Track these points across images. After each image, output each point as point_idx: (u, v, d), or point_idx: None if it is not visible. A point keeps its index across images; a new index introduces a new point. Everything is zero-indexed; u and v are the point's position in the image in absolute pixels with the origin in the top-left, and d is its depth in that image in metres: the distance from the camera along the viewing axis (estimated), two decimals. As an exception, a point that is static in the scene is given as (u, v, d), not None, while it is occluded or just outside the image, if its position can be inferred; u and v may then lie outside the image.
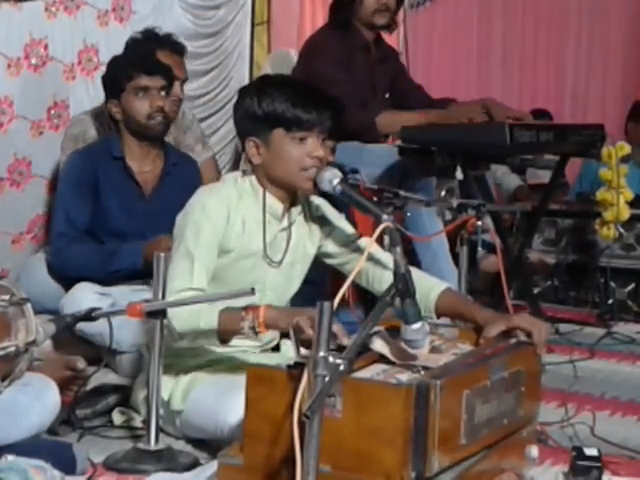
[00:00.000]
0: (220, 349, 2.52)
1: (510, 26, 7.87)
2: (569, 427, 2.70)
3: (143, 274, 3.15)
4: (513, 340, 2.34)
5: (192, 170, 3.58)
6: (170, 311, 2.37)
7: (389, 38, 4.56)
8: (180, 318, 2.38)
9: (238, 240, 2.53)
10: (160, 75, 3.40)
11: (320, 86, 3.77)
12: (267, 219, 2.55)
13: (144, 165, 3.44)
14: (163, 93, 3.40)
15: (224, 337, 2.38)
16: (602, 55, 7.68)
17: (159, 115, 3.37)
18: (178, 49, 3.92)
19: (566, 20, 7.81)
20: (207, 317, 2.36)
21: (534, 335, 2.33)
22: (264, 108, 2.47)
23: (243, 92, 2.59)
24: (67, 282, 3.29)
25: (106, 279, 3.25)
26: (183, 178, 3.40)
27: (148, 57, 3.57)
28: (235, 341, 2.43)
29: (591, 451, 2.31)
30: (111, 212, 3.38)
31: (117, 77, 3.41)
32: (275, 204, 2.56)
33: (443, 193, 3.63)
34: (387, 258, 2.48)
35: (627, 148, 4.24)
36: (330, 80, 3.93)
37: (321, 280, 3.36)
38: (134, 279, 3.25)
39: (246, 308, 2.32)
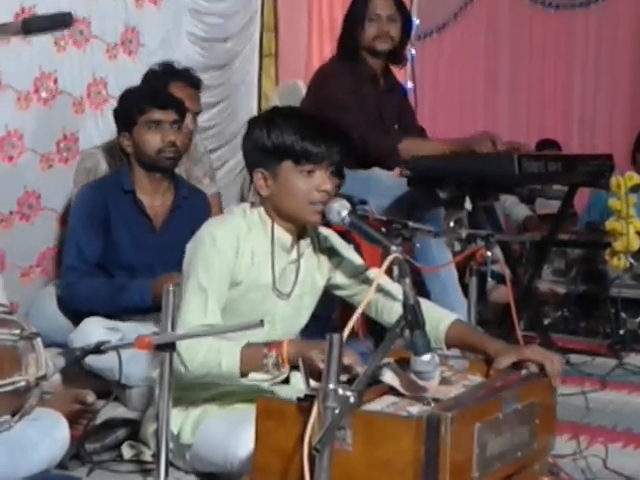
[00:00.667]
0: (231, 382, 2.51)
1: (517, 55, 7.90)
2: (581, 459, 2.67)
3: (152, 310, 3.15)
4: (524, 372, 2.33)
5: (202, 203, 3.59)
6: (185, 350, 2.36)
7: (397, 70, 4.58)
8: (197, 357, 2.37)
9: (247, 272, 2.52)
10: (172, 109, 3.42)
11: (332, 113, 3.85)
12: (276, 251, 2.55)
13: (154, 198, 3.45)
14: (175, 127, 3.41)
15: (245, 373, 2.38)
16: (609, 84, 7.68)
17: (170, 149, 3.39)
18: (193, 81, 3.94)
19: (573, 50, 7.83)
20: (228, 357, 2.35)
21: (547, 367, 2.32)
22: (273, 140, 2.47)
23: (252, 124, 2.60)
24: (76, 316, 3.29)
25: (115, 314, 3.24)
26: (193, 212, 3.41)
27: (161, 91, 3.59)
28: (245, 374, 2.43)
29: (604, 484, 2.29)
30: (121, 245, 3.38)
31: (129, 110, 3.43)
32: (284, 236, 2.56)
33: (452, 224, 3.64)
34: (396, 289, 2.47)
35: (636, 178, 4.24)
36: (342, 106, 3.96)
37: (328, 313, 3.36)
38: (143, 315, 3.25)
39: (268, 344, 2.32)
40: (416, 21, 6.16)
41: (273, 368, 2.31)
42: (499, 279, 3.66)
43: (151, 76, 3.87)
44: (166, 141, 3.37)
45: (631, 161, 5.92)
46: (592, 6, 7.76)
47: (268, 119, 2.56)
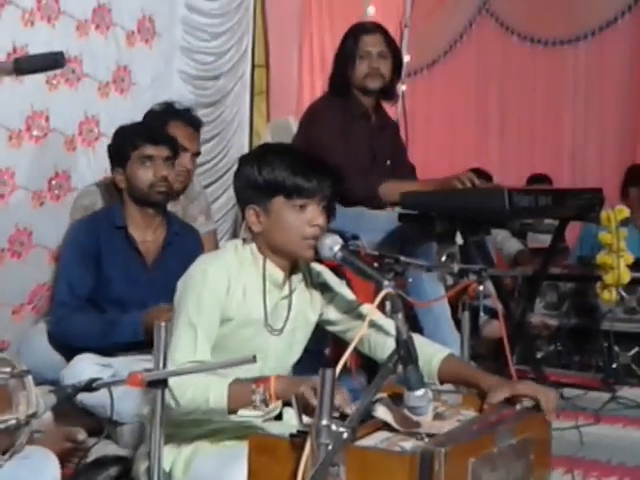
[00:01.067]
0: (222, 418, 2.50)
1: (507, 92, 7.96)
2: (576, 494, 2.67)
3: (144, 344, 3.14)
4: (518, 407, 2.32)
5: (194, 240, 3.59)
6: (175, 387, 2.35)
7: (387, 106, 4.60)
8: (186, 394, 2.36)
9: (239, 308, 2.52)
10: (165, 145, 3.44)
11: (318, 154, 3.85)
12: (268, 287, 2.54)
13: (146, 234, 3.45)
14: (168, 163, 3.43)
15: (233, 409, 2.36)
16: (599, 119, 7.73)
17: (162, 184, 3.40)
18: (193, 122, 3.95)
19: (562, 85, 7.89)
20: (216, 393, 2.34)
21: (542, 402, 2.31)
22: (264, 176, 2.48)
23: (243, 160, 2.60)
24: (68, 352, 3.28)
25: (107, 349, 3.24)
26: (185, 248, 3.41)
27: (154, 127, 3.62)
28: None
29: (599, 518, 2.28)
30: (113, 281, 3.38)
31: (123, 146, 3.46)
32: (276, 272, 2.56)
33: (444, 258, 3.63)
34: (389, 325, 2.47)
35: (626, 212, 4.26)
36: (327, 148, 3.96)
37: (321, 348, 3.35)
38: (135, 349, 3.24)
39: (256, 380, 2.31)
40: (406, 58, 6.21)
41: (261, 404, 2.29)
42: (491, 313, 3.66)
43: (151, 115, 3.89)
44: (158, 176, 3.39)
45: (621, 195, 5.95)
46: (580, 42, 7.83)
47: (259, 156, 2.56)
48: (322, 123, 4.15)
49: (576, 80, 7.90)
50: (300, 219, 2.47)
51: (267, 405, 2.29)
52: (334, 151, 3.99)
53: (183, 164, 3.77)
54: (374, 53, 4.24)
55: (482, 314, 3.32)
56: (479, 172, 6.63)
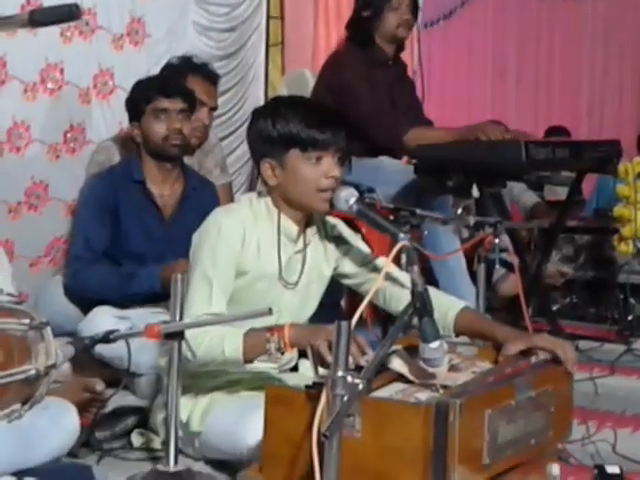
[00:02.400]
0: (238, 369, 2.51)
1: (524, 44, 7.88)
2: (590, 445, 2.68)
3: (161, 297, 3.15)
4: (533, 359, 2.33)
5: (211, 194, 3.59)
6: (191, 338, 2.36)
7: (404, 58, 4.57)
8: (202, 346, 2.37)
9: (253, 262, 2.52)
10: (179, 97, 3.42)
11: (346, 99, 3.87)
12: (282, 241, 2.55)
13: (164, 188, 3.45)
14: (182, 115, 3.42)
15: (249, 359, 2.38)
16: (617, 72, 7.68)
17: (177, 137, 3.39)
18: (211, 76, 3.92)
19: (581, 36, 7.82)
20: (231, 343, 2.35)
21: (560, 354, 2.32)
22: (279, 129, 2.47)
23: (256, 114, 2.59)
24: (84, 304, 3.30)
25: (124, 302, 3.25)
26: (202, 202, 3.41)
27: (169, 80, 3.60)
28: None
29: (613, 469, 2.29)
30: (130, 235, 3.38)
31: (138, 100, 3.45)
32: (290, 226, 2.56)
33: (460, 211, 3.63)
34: (404, 277, 2.47)
35: (644, 164, 4.23)
36: (357, 93, 3.98)
37: (337, 301, 3.35)
38: (152, 302, 3.25)
39: (270, 329, 2.32)
40: (422, 9, 6.14)
41: (276, 352, 2.30)
42: (507, 266, 3.65)
43: (169, 69, 3.87)
44: (171, 129, 3.38)
45: (638, 147, 5.91)
46: (600, -7, 7.75)
47: (272, 109, 2.55)
48: (349, 69, 4.12)
49: (594, 32, 7.83)
50: (316, 171, 2.47)
51: (282, 353, 2.31)
52: (363, 96, 4.00)
53: (200, 119, 3.75)
54: (405, 4, 4.20)
55: (498, 266, 3.32)
56: (558, 129, 6.63)
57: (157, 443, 2.66)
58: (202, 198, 3.48)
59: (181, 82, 3.65)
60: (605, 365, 3.75)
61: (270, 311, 2.18)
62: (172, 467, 2.39)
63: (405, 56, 4.57)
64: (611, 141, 4.33)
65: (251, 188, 4.95)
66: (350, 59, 4.18)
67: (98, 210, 3.39)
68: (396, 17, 4.20)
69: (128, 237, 3.39)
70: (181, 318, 2.38)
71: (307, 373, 2.50)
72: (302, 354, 2.58)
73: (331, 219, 2.67)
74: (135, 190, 3.42)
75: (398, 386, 2.17)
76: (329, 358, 2.09)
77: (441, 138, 3.94)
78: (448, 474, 1.90)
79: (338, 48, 4.45)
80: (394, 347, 2.22)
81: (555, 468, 2.27)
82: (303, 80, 4.78)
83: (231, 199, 4.15)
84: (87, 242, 3.37)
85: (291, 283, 2.59)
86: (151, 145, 3.42)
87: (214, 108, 3.95)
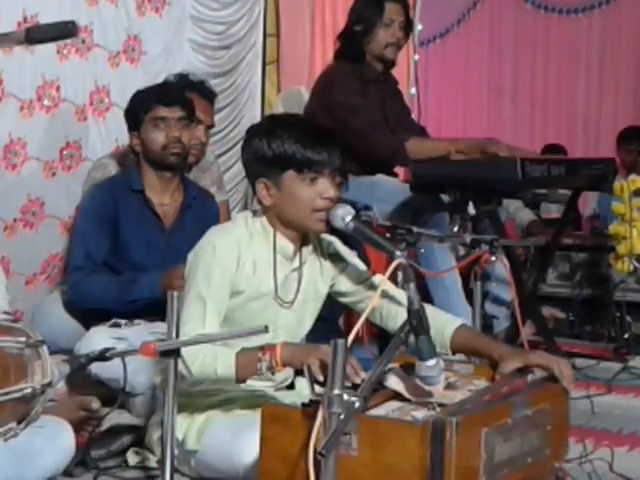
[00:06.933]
0: (234, 387, 2.51)
1: (520, 61, 7.91)
2: (587, 463, 2.67)
3: (161, 304, 3.12)
4: (529, 377, 2.32)
5: (211, 204, 3.60)
6: (185, 356, 2.36)
7: (401, 76, 4.58)
8: (195, 363, 2.37)
9: (249, 281, 2.52)
10: (178, 106, 3.42)
11: (340, 115, 3.88)
12: (278, 260, 2.55)
13: (164, 198, 3.44)
14: (180, 124, 3.41)
15: (242, 378, 2.37)
16: (613, 88, 7.69)
17: (176, 146, 3.38)
18: (207, 94, 3.91)
19: (576, 54, 7.84)
20: (224, 361, 2.35)
21: (556, 372, 2.31)
22: (274, 150, 2.46)
23: (251, 133, 2.58)
24: (85, 317, 3.28)
25: (124, 310, 3.22)
26: (202, 212, 3.41)
27: (167, 89, 3.60)
28: (249, 380, 2.42)
29: (610, 487, 2.29)
30: (131, 245, 3.37)
31: (136, 109, 3.44)
32: (286, 245, 2.55)
33: (456, 229, 3.63)
34: (401, 295, 2.47)
35: (639, 181, 4.24)
36: (350, 108, 3.98)
37: (335, 317, 3.34)
38: (153, 310, 3.21)
39: (262, 348, 2.32)
40: (419, 27, 6.16)
41: (267, 371, 2.30)
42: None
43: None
44: (170, 137, 3.37)
45: (618, 144, 5.92)
46: (595, 11, 7.78)
47: (267, 128, 2.54)
48: (340, 86, 4.12)
49: (590, 49, 7.85)
50: (311, 192, 2.46)
51: (273, 373, 2.30)
52: (357, 110, 4.00)
53: (197, 136, 3.75)
54: (397, 23, 4.21)
55: (494, 284, 3.32)
56: (554, 147, 6.65)
57: (153, 462, 2.65)
58: (202, 208, 3.48)
59: (180, 91, 3.64)
60: (602, 383, 3.74)
61: (266, 329, 2.17)
62: (168, 486, 2.37)
63: (401, 74, 4.58)
64: (607, 159, 4.35)
65: (246, 205, 4.95)
66: (341, 76, 4.18)
67: (97, 220, 3.38)
68: (387, 35, 4.20)
69: (128, 247, 3.37)
70: (177, 336, 2.37)
71: (303, 391, 2.49)
72: (298, 372, 2.58)
73: (327, 237, 2.67)
74: (135, 200, 3.41)
75: (394, 404, 2.16)
76: (320, 378, 2.09)
77: (441, 147, 3.95)
78: (445, 493, 1.90)
79: (328, 66, 4.46)
80: (390, 365, 2.22)
81: (552, 487, 2.26)
82: (299, 98, 4.79)
83: (228, 217, 4.14)
84: (87, 252, 3.35)
85: (287, 302, 2.58)
86: (150, 154, 3.41)
87: (211, 126, 3.95)
